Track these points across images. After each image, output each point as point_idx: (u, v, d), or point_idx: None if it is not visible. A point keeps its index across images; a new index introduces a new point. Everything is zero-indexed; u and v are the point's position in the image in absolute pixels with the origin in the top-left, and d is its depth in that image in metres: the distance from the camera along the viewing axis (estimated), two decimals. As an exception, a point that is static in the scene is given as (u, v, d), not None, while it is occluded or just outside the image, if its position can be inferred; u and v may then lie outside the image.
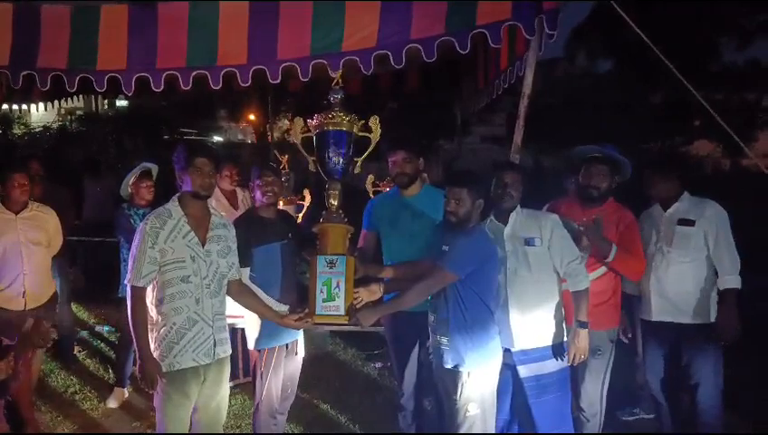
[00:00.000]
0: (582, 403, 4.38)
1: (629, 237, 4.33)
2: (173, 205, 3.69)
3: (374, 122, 4.13)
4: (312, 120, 4.11)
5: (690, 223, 4.39)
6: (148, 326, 3.62)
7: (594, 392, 4.36)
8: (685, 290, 4.40)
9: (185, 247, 3.61)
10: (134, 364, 5.10)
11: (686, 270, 4.40)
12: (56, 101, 8.47)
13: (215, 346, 3.72)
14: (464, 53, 4.77)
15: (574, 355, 4.02)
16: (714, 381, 4.36)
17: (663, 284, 4.45)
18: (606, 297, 4.35)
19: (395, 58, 4.79)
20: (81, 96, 9.16)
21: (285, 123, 22.36)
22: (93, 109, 21.48)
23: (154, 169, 5.81)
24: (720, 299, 4.35)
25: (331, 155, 4.06)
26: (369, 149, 4.18)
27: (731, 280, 4.31)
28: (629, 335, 4.81)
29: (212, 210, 3.84)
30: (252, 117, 23.02)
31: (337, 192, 4.13)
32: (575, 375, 4.33)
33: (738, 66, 20.76)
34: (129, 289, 3.59)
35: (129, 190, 5.71)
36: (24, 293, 4.90)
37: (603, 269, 4.32)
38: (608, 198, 4.43)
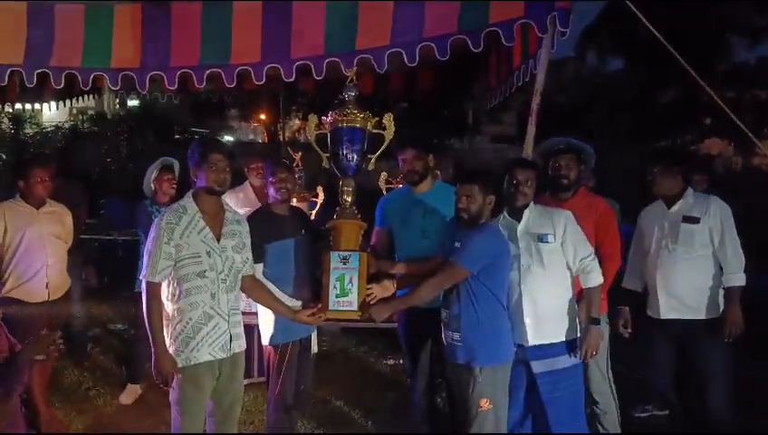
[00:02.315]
0: (595, 395, 4.38)
1: (605, 225, 4.36)
2: (188, 201, 3.71)
3: (388, 120, 4.15)
4: (327, 117, 4.13)
5: (695, 220, 4.40)
6: (164, 322, 3.65)
7: (602, 380, 4.37)
8: (692, 287, 4.41)
9: (200, 243, 3.63)
10: (147, 360, 5.16)
11: (693, 267, 4.41)
12: (68, 101, 8.52)
13: (230, 341, 3.74)
14: (477, 51, 4.79)
15: (586, 351, 4.03)
16: (723, 375, 4.37)
17: (670, 281, 4.45)
18: None
19: (408, 56, 4.81)
20: (93, 96, 9.20)
21: (296, 123, 22.45)
22: (105, 108, 21.52)
23: (176, 164, 5.83)
24: (725, 297, 4.37)
25: (345, 152, 4.09)
26: (384, 147, 4.20)
27: (735, 278, 4.33)
28: (629, 331, 4.77)
29: (225, 206, 3.87)
30: (263, 116, 23.07)
31: (351, 189, 4.17)
32: None
33: (749, 65, 20.70)
34: (144, 285, 3.61)
35: (153, 187, 5.75)
36: (48, 284, 5.00)
37: None
38: (578, 189, 4.49)
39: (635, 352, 4.91)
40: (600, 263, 4.21)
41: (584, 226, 4.23)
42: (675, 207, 4.50)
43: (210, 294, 3.65)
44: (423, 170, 4.48)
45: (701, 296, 4.40)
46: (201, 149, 3.73)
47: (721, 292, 4.39)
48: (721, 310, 4.37)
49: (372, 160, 4.25)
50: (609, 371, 4.41)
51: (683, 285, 4.42)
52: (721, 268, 4.38)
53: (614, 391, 4.42)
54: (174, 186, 5.73)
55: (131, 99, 16.85)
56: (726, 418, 4.40)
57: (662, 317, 4.50)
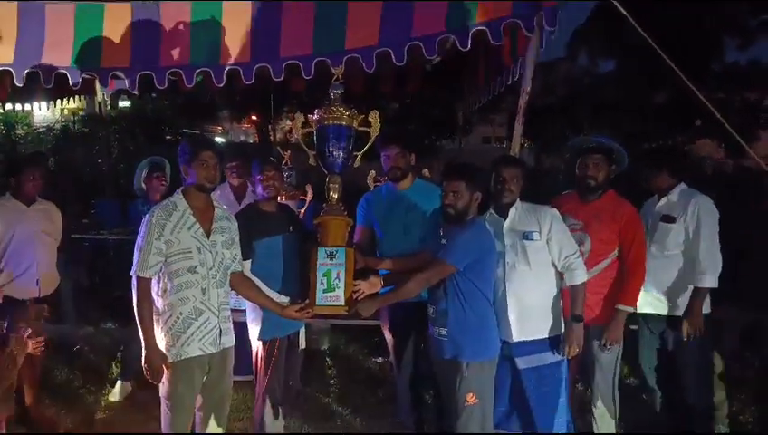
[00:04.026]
0: (596, 399, 4.39)
1: (631, 235, 4.28)
2: (177, 197, 3.77)
3: (374, 117, 4.20)
4: (313, 115, 4.17)
5: (671, 220, 4.40)
6: (154, 317, 3.67)
7: (606, 387, 4.37)
8: (664, 284, 4.44)
9: (190, 238, 3.68)
10: (136, 357, 5.17)
11: (665, 265, 4.43)
12: (59, 101, 8.52)
13: (220, 336, 3.79)
14: (464, 50, 4.82)
15: (569, 348, 4.07)
16: (701, 369, 4.43)
17: (647, 277, 4.40)
18: (610, 290, 4.33)
19: (396, 56, 4.84)
20: (83, 97, 9.20)
21: (287, 124, 22.45)
22: (96, 110, 21.49)
23: (166, 163, 5.88)
24: (691, 294, 4.36)
25: (331, 149, 4.14)
26: (369, 144, 4.26)
27: (705, 279, 4.31)
28: None
29: (215, 203, 3.91)
30: (254, 117, 23.09)
31: (337, 185, 4.21)
32: (586, 371, 4.39)
33: (740, 66, 20.75)
34: (134, 280, 3.65)
35: (143, 186, 5.79)
36: (38, 280, 5.05)
37: (607, 262, 4.31)
38: (606, 190, 4.40)
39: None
40: (626, 275, 4.27)
41: (606, 230, 4.29)
42: (659, 203, 4.52)
43: (201, 289, 3.70)
44: (405, 167, 4.55)
45: (674, 294, 4.43)
46: (191, 146, 3.78)
47: (690, 289, 4.38)
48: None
49: (358, 157, 4.30)
50: (617, 377, 4.41)
51: (655, 282, 4.44)
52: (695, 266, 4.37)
53: (617, 397, 4.41)
54: (163, 183, 5.77)
55: (122, 100, 16.83)
56: (707, 409, 4.49)
57: (638, 311, 4.51)
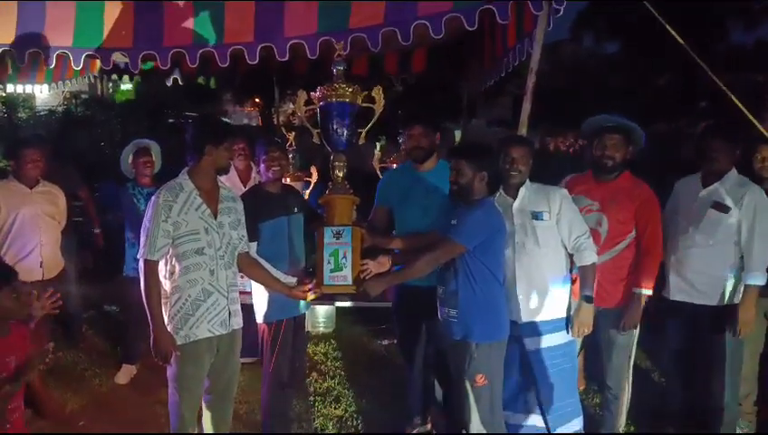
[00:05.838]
0: (609, 381, 4.34)
1: (646, 215, 4.19)
2: (183, 178, 3.71)
3: (377, 93, 4.14)
4: (316, 92, 4.12)
5: (725, 209, 4.18)
6: (162, 300, 3.65)
7: (621, 370, 4.32)
8: (704, 273, 4.25)
9: (198, 219, 3.64)
10: (141, 341, 5.14)
11: (709, 254, 4.22)
12: (60, 82, 8.47)
13: (229, 317, 3.76)
14: (471, 29, 4.76)
15: (578, 329, 4.04)
16: (725, 363, 4.26)
17: (683, 264, 4.31)
18: (627, 272, 4.25)
19: (402, 35, 4.77)
20: (85, 77, 9.14)
21: (291, 106, 22.37)
22: (98, 93, 21.46)
23: (154, 146, 5.85)
24: (743, 294, 4.19)
25: (335, 127, 4.07)
26: (373, 120, 4.20)
27: (756, 277, 4.13)
28: None
29: (220, 183, 3.87)
30: (257, 100, 23.00)
31: (342, 164, 4.15)
32: (600, 353, 4.34)
33: (746, 47, 20.61)
34: (142, 263, 3.60)
35: (132, 169, 5.78)
36: (42, 263, 5.05)
37: (625, 243, 4.22)
38: (623, 171, 4.28)
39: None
40: (641, 256, 4.19)
41: (623, 211, 4.19)
42: (709, 189, 4.27)
43: (209, 270, 3.67)
44: (429, 147, 4.41)
45: (713, 283, 4.24)
46: (222, 129, 3.82)
47: (731, 281, 4.22)
48: (727, 297, 4.23)
49: (363, 135, 4.24)
50: (632, 360, 4.35)
51: (695, 270, 4.27)
52: (740, 258, 4.20)
53: (629, 383, 4.37)
54: (147, 167, 5.74)
55: (124, 82, 16.77)
56: (722, 406, 4.33)
57: (671, 298, 4.40)
